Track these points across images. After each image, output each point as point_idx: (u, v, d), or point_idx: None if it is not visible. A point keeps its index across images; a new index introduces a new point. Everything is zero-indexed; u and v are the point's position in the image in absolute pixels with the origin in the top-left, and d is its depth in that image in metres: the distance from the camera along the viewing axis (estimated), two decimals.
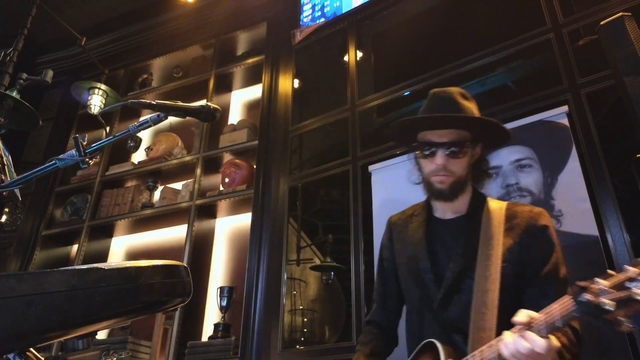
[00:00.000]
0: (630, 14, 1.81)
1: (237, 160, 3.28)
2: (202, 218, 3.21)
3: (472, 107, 1.39)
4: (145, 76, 4.09)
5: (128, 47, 4.14)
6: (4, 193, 1.22)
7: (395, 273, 1.52)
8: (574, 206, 1.97)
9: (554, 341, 1.00)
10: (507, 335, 1.04)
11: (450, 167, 1.32)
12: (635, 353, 1.68)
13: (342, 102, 2.96)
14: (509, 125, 2.27)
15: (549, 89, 2.28)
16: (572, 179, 2.01)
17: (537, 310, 1.18)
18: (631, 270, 0.82)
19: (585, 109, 2.13)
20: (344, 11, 3.24)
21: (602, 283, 0.84)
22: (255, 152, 3.18)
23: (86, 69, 4.19)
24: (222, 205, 3.19)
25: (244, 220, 3.19)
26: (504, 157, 2.22)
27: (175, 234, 3.46)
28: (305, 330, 2.96)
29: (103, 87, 3.56)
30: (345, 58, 3.16)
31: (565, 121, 2.13)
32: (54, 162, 1.16)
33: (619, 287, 0.82)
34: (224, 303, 2.81)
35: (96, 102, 3.51)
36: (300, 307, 3.02)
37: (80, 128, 4.02)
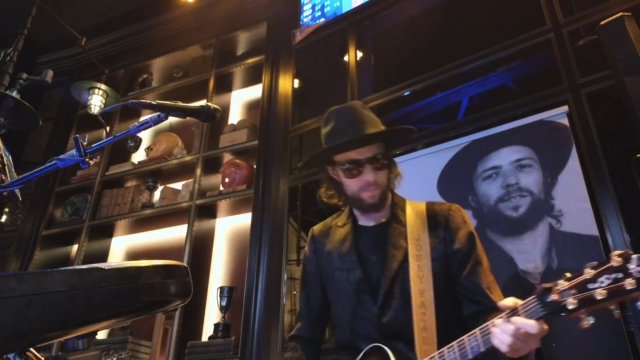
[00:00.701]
0: (630, 14, 1.81)
1: (237, 160, 3.28)
2: (202, 218, 3.21)
3: (376, 118, 1.42)
4: (145, 76, 4.09)
5: (128, 47, 4.15)
6: (4, 193, 1.22)
7: (320, 286, 1.50)
8: (574, 206, 1.97)
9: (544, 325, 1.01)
10: (498, 323, 1.04)
11: (378, 181, 1.35)
12: (635, 353, 1.68)
13: (342, 102, 2.94)
14: (509, 125, 2.28)
15: (549, 89, 2.28)
16: (572, 179, 2.01)
17: (470, 302, 1.28)
18: (589, 273, 0.89)
19: (585, 109, 2.13)
20: (344, 11, 3.23)
21: (564, 284, 0.92)
22: (255, 152, 3.18)
23: (86, 69, 4.19)
24: (222, 205, 3.19)
25: (244, 220, 3.19)
26: (504, 157, 2.22)
27: (175, 234, 3.46)
28: None
29: (103, 87, 3.56)
30: (345, 58, 3.16)
31: (565, 121, 2.13)
32: (54, 162, 1.16)
33: (580, 288, 0.89)
34: (224, 303, 2.81)
35: (96, 102, 3.51)
36: None
37: (80, 128, 4.02)
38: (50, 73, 2.02)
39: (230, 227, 3.35)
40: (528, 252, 1.99)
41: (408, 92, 2.81)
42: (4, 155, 1.44)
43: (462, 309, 1.30)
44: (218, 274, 3.20)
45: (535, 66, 2.69)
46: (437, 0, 3.02)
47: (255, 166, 3.18)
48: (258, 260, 2.82)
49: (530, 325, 0.96)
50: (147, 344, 2.85)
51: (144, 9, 4.07)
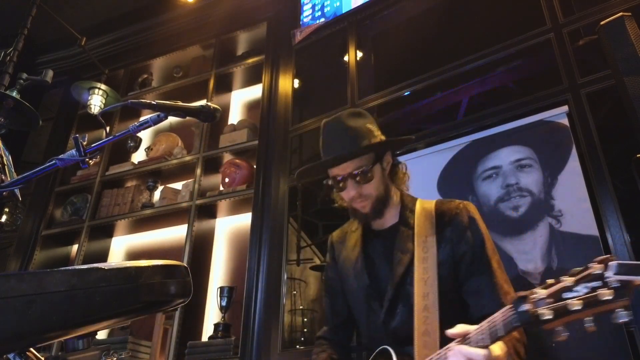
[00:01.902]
0: (630, 14, 1.81)
1: (237, 160, 3.28)
2: (202, 218, 3.21)
3: (365, 126, 1.39)
4: (145, 76, 4.09)
5: (128, 47, 4.15)
6: (4, 193, 1.22)
7: (342, 292, 1.52)
8: (574, 206, 1.97)
9: (496, 350, 0.99)
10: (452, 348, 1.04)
11: (364, 192, 1.35)
12: (636, 353, 1.68)
13: (342, 102, 2.96)
14: (509, 125, 2.28)
15: (549, 89, 2.28)
16: (572, 179, 2.01)
17: (478, 305, 1.24)
18: (567, 280, 0.82)
19: (585, 109, 2.13)
20: (344, 11, 3.23)
21: (540, 293, 0.84)
22: (255, 152, 3.18)
23: (86, 69, 4.19)
24: (222, 205, 3.19)
25: (244, 220, 3.19)
26: (504, 157, 2.22)
27: (175, 234, 3.46)
28: (305, 330, 2.96)
29: (103, 87, 3.56)
30: (345, 58, 3.16)
31: (565, 121, 2.13)
32: (54, 162, 1.16)
33: (556, 296, 0.82)
34: (224, 303, 2.81)
35: (96, 102, 3.51)
36: (300, 307, 3.02)
37: (80, 128, 4.02)
38: (50, 73, 2.02)
39: (230, 227, 3.35)
40: (528, 252, 1.99)
41: (408, 92, 2.81)
42: (4, 155, 1.44)
43: (470, 313, 1.27)
44: (218, 274, 3.20)
45: (535, 66, 2.69)
46: (437, 0, 3.02)
47: (255, 166, 3.18)
48: (258, 260, 2.82)
49: (477, 355, 0.95)
50: (147, 344, 2.85)
51: (144, 9, 4.07)
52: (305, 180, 1.55)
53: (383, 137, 1.42)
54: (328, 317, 1.56)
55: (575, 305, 0.78)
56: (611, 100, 2.26)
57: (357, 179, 1.34)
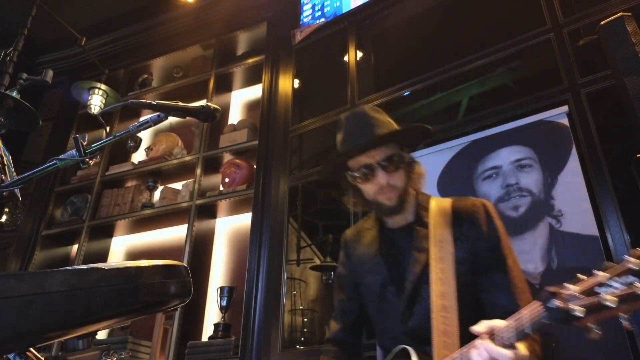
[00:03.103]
0: (630, 14, 1.81)
1: (237, 160, 3.28)
2: (202, 218, 3.21)
3: (387, 119, 1.39)
4: (145, 76, 4.09)
5: (128, 47, 4.15)
6: (4, 193, 1.22)
7: (354, 290, 1.49)
8: (574, 206, 1.97)
9: (522, 349, 0.95)
10: (476, 345, 1.01)
11: (393, 183, 1.32)
12: (635, 353, 1.68)
13: (342, 102, 2.96)
14: (509, 125, 2.28)
15: (549, 89, 2.28)
16: (572, 179, 2.01)
17: (492, 304, 1.22)
18: (600, 275, 0.78)
19: (585, 109, 2.13)
20: (344, 11, 3.24)
21: (571, 288, 0.80)
22: (255, 152, 3.18)
23: (86, 69, 4.19)
24: (222, 205, 3.19)
25: (244, 220, 3.19)
26: (504, 157, 2.22)
27: (175, 234, 3.46)
28: (305, 330, 2.96)
29: (103, 87, 3.56)
30: (345, 58, 3.16)
31: (565, 121, 2.13)
32: (54, 162, 1.16)
33: (589, 292, 0.78)
34: (224, 303, 2.81)
35: (96, 102, 3.52)
36: (300, 307, 3.02)
37: (80, 128, 4.02)
38: (50, 73, 2.02)
39: (230, 227, 3.35)
40: (528, 252, 1.99)
41: (408, 92, 2.81)
42: (4, 155, 1.44)
43: (487, 313, 1.23)
44: (218, 274, 3.20)
45: (535, 66, 2.69)
46: (437, 0, 3.02)
47: (255, 166, 3.18)
48: (258, 260, 2.82)
49: (504, 355, 0.92)
50: (147, 344, 2.85)
51: (144, 9, 4.07)
52: (328, 176, 1.48)
53: None
54: (338, 315, 1.53)
55: (611, 301, 0.74)
56: (611, 100, 2.26)
57: (389, 167, 1.31)
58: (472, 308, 1.23)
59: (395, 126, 1.39)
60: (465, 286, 1.24)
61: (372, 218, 1.52)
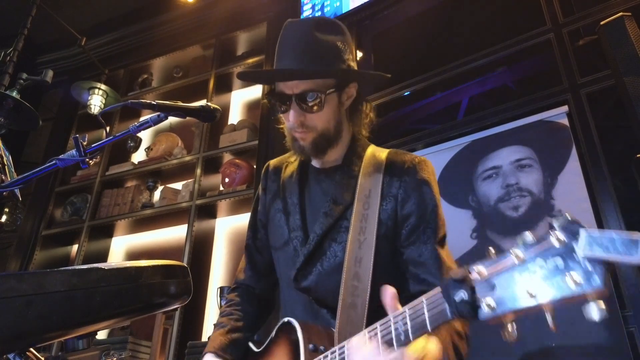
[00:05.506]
0: (630, 14, 1.81)
1: (237, 160, 3.28)
2: (202, 218, 3.21)
3: (335, 41, 1.12)
4: (145, 76, 4.09)
5: (128, 47, 4.15)
6: (4, 193, 1.22)
7: (266, 230, 1.28)
8: (574, 206, 1.97)
9: (417, 349, 0.73)
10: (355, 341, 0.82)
11: (308, 123, 1.10)
12: (636, 353, 1.68)
13: None
14: (509, 125, 2.28)
15: (549, 89, 2.28)
16: (572, 179, 2.01)
17: (415, 278, 1.02)
18: (517, 254, 0.58)
19: (585, 109, 2.13)
20: (343, 11, 3.23)
21: (482, 272, 0.60)
22: (255, 152, 3.18)
23: (86, 69, 4.19)
24: (222, 205, 3.19)
25: (244, 220, 3.19)
26: (504, 157, 2.22)
27: (175, 234, 3.46)
28: None
29: (103, 87, 3.56)
30: None
31: (565, 121, 2.13)
32: (54, 162, 1.16)
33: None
34: (224, 303, 2.81)
35: (96, 102, 3.52)
36: None
37: (80, 128, 4.03)
38: (50, 73, 2.02)
39: (230, 227, 3.35)
40: None
41: (408, 92, 2.81)
42: (4, 155, 1.44)
43: (406, 287, 1.05)
44: (218, 274, 3.20)
45: (535, 66, 2.69)
46: (437, 0, 3.02)
47: (255, 166, 3.18)
48: None
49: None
50: (147, 344, 2.85)
51: (144, 9, 4.08)
52: (246, 80, 1.28)
53: (354, 64, 1.16)
54: (250, 254, 1.32)
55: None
56: (611, 100, 2.26)
57: (304, 104, 1.08)
58: (389, 280, 0.89)
59: (343, 52, 1.13)
60: (384, 254, 1.06)
61: None
